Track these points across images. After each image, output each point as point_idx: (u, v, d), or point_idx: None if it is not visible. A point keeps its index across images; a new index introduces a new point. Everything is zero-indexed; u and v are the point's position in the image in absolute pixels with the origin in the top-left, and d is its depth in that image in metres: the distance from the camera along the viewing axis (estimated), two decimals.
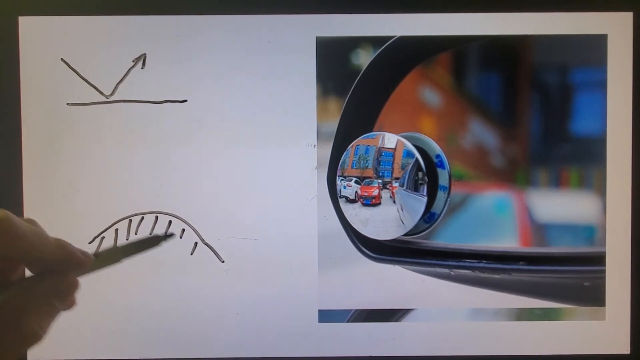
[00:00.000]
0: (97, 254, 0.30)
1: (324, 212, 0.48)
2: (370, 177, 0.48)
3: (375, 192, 0.47)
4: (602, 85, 0.48)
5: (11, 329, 0.26)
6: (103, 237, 0.48)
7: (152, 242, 0.33)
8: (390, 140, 0.48)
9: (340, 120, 0.48)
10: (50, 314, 0.28)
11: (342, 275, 0.49)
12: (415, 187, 0.47)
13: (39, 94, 0.48)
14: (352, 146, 0.48)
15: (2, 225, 0.25)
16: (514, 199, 0.48)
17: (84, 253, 0.29)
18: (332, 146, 0.48)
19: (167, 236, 0.33)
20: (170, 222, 0.48)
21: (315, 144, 0.48)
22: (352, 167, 0.48)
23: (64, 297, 0.28)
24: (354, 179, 0.48)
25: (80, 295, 0.48)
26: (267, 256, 0.48)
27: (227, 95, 0.48)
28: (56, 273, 0.28)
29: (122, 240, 0.48)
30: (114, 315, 0.49)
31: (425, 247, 0.49)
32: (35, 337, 0.27)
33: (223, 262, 0.48)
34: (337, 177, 0.48)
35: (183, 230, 0.48)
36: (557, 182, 0.48)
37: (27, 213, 0.48)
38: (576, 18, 0.48)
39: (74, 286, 0.29)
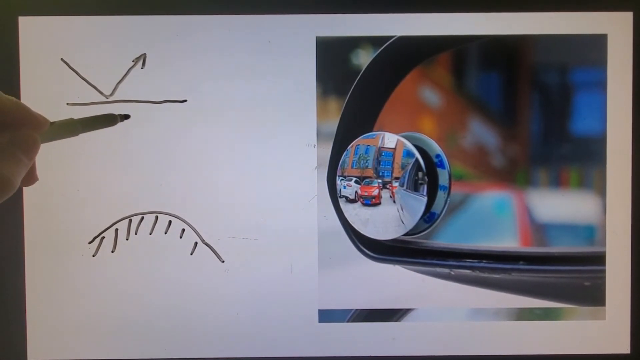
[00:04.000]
0: (53, 123, 0.31)
1: (324, 212, 0.48)
2: (370, 177, 0.48)
3: (375, 192, 0.48)
4: (602, 85, 0.48)
5: None
6: (103, 237, 0.48)
7: (108, 119, 0.33)
8: (390, 140, 0.48)
9: (340, 120, 0.48)
10: (17, 164, 0.28)
11: (342, 275, 0.49)
12: (415, 187, 0.47)
13: (39, 94, 0.48)
14: (352, 146, 0.48)
15: None
16: (514, 198, 0.48)
17: (40, 115, 0.29)
18: (332, 146, 0.48)
19: (124, 116, 0.34)
20: (170, 222, 0.48)
21: (315, 144, 0.48)
22: (352, 167, 0.48)
23: (26, 149, 0.28)
24: (354, 178, 0.48)
25: (80, 295, 0.48)
26: (267, 256, 0.48)
27: (227, 95, 0.48)
28: (13, 127, 0.28)
29: (122, 239, 0.48)
30: (113, 315, 0.49)
31: (425, 247, 0.49)
32: (9, 183, 0.27)
33: (223, 262, 0.48)
34: (337, 177, 0.48)
35: (183, 230, 0.48)
36: (557, 182, 0.48)
37: (27, 213, 0.48)
38: (576, 18, 0.48)
39: (35, 142, 0.29)
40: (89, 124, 0.33)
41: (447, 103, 0.49)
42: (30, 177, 0.30)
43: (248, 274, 0.49)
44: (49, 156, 0.48)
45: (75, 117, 0.48)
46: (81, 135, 0.48)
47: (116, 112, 0.48)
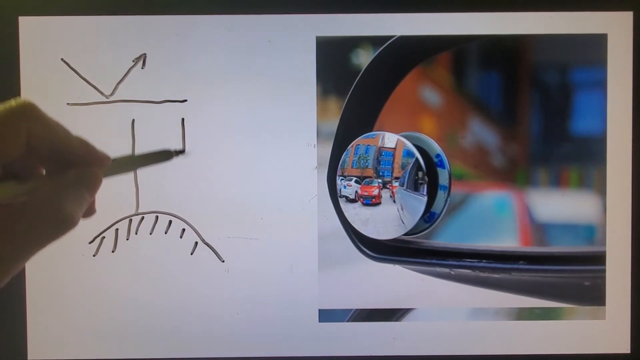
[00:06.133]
0: (114, 159, 0.31)
1: (324, 212, 0.48)
2: (370, 177, 0.48)
3: (376, 192, 0.47)
4: (602, 85, 0.48)
5: (48, 212, 0.26)
6: (103, 237, 0.48)
7: (164, 155, 0.34)
8: (390, 139, 0.48)
9: (340, 119, 0.48)
10: (80, 201, 0.28)
11: (342, 275, 0.49)
12: (415, 187, 0.47)
13: (39, 94, 0.48)
14: (352, 146, 0.48)
15: (32, 113, 0.26)
16: (514, 198, 0.48)
17: (103, 152, 0.30)
18: (332, 146, 0.48)
19: (179, 152, 0.35)
20: (170, 222, 0.48)
21: (315, 143, 0.48)
22: (352, 167, 0.48)
23: (90, 186, 0.29)
24: (354, 178, 0.48)
25: (80, 295, 0.48)
26: (267, 256, 0.48)
27: (227, 95, 0.48)
28: (79, 166, 0.28)
29: (122, 239, 0.48)
30: (114, 315, 0.48)
31: (426, 247, 0.49)
32: (70, 220, 0.27)
33: (223, 262, 0.48)
34: (337, 177, 0.49)
35: (183, 230, 0.48)
36: (557, 182, 0.48)
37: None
38: (576, 17, 0.48)
39: (98, 179, 0.29)
40: (144, 160, 0.34)
41: (447, 103, 0.49)
42: (90, 211, 0.30)
43: (248, 274, 0.49)
44: None
45: (75, 117, 0.48)
46: (81, 135, 0.48)
47: (118, 114, 0.48)
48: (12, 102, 0.25)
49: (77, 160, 0.28)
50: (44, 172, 0.29)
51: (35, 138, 0.26)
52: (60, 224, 0.27)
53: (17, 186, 0.26)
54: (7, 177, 0.27)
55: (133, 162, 0.34)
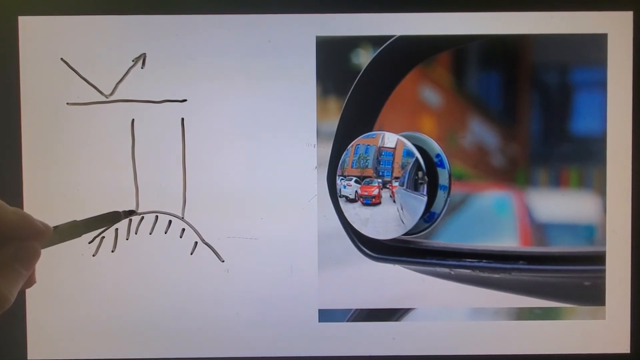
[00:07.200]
0: (56, 227, 0.30)
1: (324, 212, 0.48)
2: (370, 177, 0.48)
3: (375, 192, 0.47)
4: (602, 85, 0.48)
5: None
6: (103, 237, 0.48)
7: (112, 217, 0.33)
8: (390, 139, 0.48)
9: (340, 119, 0.48)
10: (15, 279, 0.27)
11: (342, 275, 0.49)
12: (415, 187, 0.47)
13: (39, 94, 0.48)
14: (352, 146, 0.48)
15: None
16: (514, 198, 0.48)
17: (43, 223, 0.29)
18: (332, 146, 0.48)
19: (128, 212, 0.33)
20: (170, 221, 0.48)
21: (315, 143, 0.48)
22: (352, 167, 0.48)
23: (26, 263, 0.28)
24: (354, 178, 0.48)
25: (80, 295, 0.48)
26: (267, 256, 0.48)
27: (227, 95, 0.48)
28: (16, 240, 0.28)
29: (122, 239, 0.48)
30: (113, 315, 0.49)
31: (426, 247, 0.49)
32: (4, 301, 0.26)
33: (223, 262, 0.48)
34: (337, 177, 0.48)
35: (183, 230, 0.48)
36: (557, 182, 0.48)
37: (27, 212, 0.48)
38: (576, 17, 0.48)
39: (35, 254, 0.28)
40: (92, 224, 0.32)
41: (447, 103, 0.49)
42: (29, 282, 0.29)
43: (248, 274, 0.49)
44: (49, 156, 0.48)
45: (75, 117, 0.48)
46: (81, 135, 0.48)
47: (118, 113, 0.48)
48: None
49: (14, 235, 0.27)
50: None
51: None
52: None
53: None
54: None
55: (78, 228, 0.32)
